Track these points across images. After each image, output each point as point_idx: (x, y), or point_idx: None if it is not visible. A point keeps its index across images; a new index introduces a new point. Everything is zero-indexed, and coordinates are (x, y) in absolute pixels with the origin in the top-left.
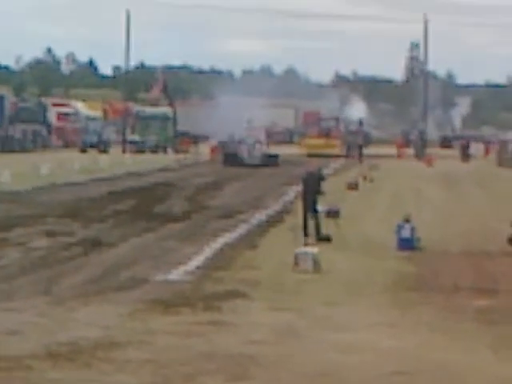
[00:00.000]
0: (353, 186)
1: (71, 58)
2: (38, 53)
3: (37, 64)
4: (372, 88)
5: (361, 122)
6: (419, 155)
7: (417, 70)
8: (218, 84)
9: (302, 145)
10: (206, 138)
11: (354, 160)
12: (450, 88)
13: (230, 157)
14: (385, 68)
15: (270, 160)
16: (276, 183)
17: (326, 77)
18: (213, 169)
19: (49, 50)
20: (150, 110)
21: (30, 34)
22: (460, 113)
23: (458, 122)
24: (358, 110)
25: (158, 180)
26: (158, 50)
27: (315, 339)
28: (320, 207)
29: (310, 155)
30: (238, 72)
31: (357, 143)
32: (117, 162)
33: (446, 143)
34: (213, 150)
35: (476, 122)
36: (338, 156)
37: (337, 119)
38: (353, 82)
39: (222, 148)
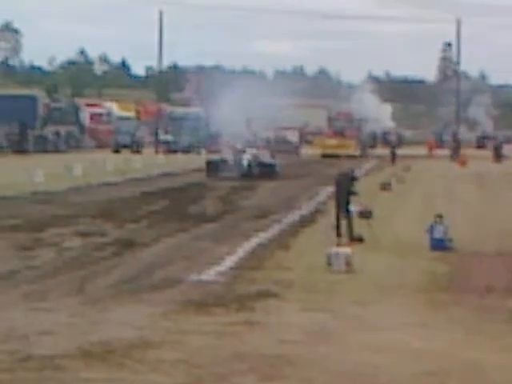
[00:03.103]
0: (386, 187)
1: (104, 58)
2: (71, 53)
3: (70, 65)
4: (404, 88)
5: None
6: (454, 156)
7: (449, 70)
8: (251, 85)
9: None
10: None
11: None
12: (483, 88)
13: (214, 165)
14: (417, 68)
15: (263, 170)
16: (309, 184)
17: (357, 77)
18: None
19: (81, 51)
20: (182, 111)
21: (62, 35)
22: (490, 113)
23: (488, 123)
24: (387, 110)
25: (191, 180)
26: (190, 51)
27: (348, 339)
28: (353, 207)
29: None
30: (270, 73)
31: (391, 144)
32: (150, 163)
33: (481, 144)
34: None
35: (508, 122)
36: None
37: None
38: (385, 82)
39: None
